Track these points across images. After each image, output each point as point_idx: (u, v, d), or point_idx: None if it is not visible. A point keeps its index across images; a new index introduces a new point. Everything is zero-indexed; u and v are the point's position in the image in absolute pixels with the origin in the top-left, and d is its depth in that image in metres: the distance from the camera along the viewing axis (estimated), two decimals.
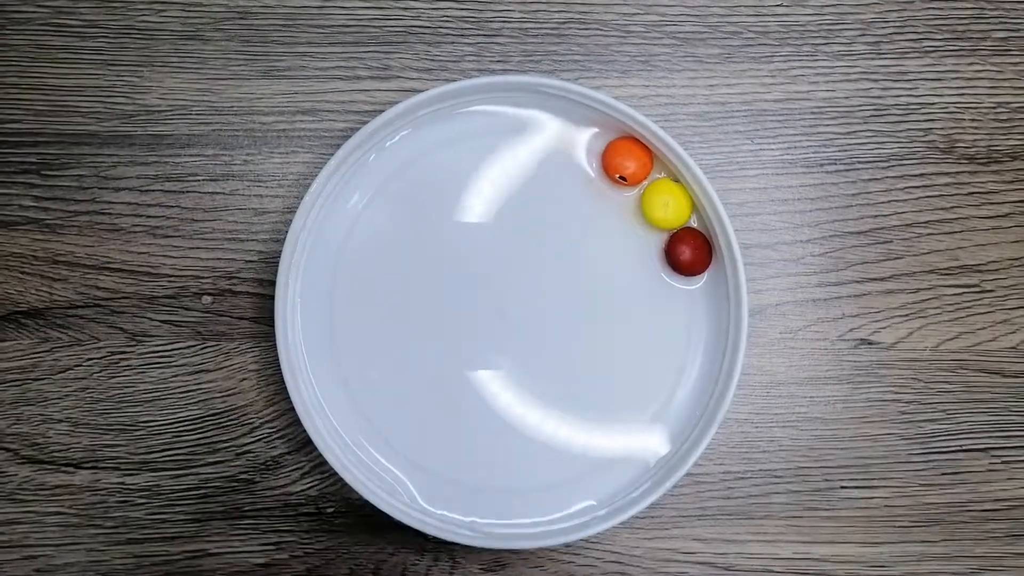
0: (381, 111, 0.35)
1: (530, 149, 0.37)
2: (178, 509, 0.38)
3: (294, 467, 0.38)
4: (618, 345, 0.37)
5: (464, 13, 0.39)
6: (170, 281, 0.38)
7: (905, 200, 0.39)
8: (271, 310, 0.36)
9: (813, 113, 0.39)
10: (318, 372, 0.36)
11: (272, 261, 0.38)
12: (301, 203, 0.35)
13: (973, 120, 0.39)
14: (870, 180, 0.39)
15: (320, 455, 0.36)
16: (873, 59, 0.39)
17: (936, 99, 0.39)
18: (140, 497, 0.38)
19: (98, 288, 0.38)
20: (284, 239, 0.35)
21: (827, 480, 0.38)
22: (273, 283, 0.36)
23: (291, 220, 0.35)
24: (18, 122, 0.38)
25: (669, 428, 0.37)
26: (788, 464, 0.38)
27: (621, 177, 0.37)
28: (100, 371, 0.38)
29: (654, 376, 0.37)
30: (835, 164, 0.39)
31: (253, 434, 0.38)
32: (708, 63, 0.39)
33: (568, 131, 0.37)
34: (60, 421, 0.38)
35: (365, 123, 0.35)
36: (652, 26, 0.39)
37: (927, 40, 0.39)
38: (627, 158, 0.36)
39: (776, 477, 0.38)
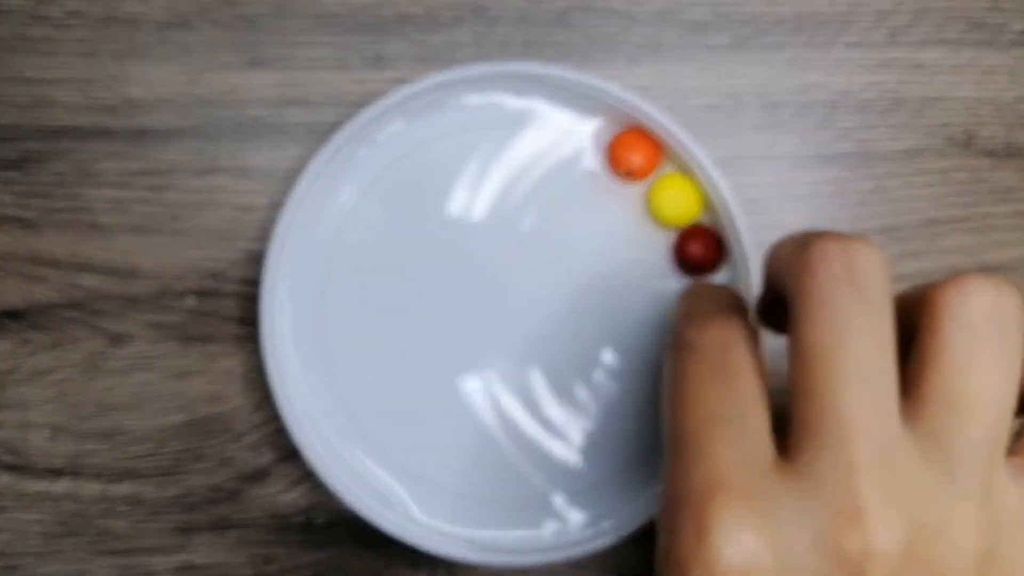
0: (374, 102, 0.34)
1: (531, 142, 0.36)
2: (162, 519, 0.37)
3: (283, 476, 0.37)
4: (624, 347, 0.36)
5: None
6: (153, 281, 0.37)
7: (923, 196, 0.38)
8: (258, 311, 0.35)
9: (828, 105, 0.38)
10: (307, 377, 0.36)
11: (259, 259, 0.37)
12: (289, 198, 0.34)
13: (992, 114, 0.38)
14: (887, 175, 0.38)
15: (309, 464, 0.35)
16: (889, 50, 0.38)
17: (954, 92, 0.38)
18: (123, 506, 0.37)
19: (79, 288, 0.37)
20: (272, 236, 0.34)
21: None
22: (260, 283, 0.35)
23: (279, 217, 0.34)
24: None
25: None
26: None
27: (628, 171, 0.35)
28: (80, 374, 0.37)
29: (659, 376, 0.36)
30: (851, 158, 0.38)
31: (239, 442, 0.37)
32: (719, 52, 0.38)
33: (571, 123, 0.36)
34: (40, 426, 0.37)
35: (357, 114, 0.34)
36: (660, 13, 0.38)
37: (944, 31, 0.38)
38: (634, 151, 0.35)
39: None
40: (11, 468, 0.37)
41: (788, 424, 0.22)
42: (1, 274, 0.37)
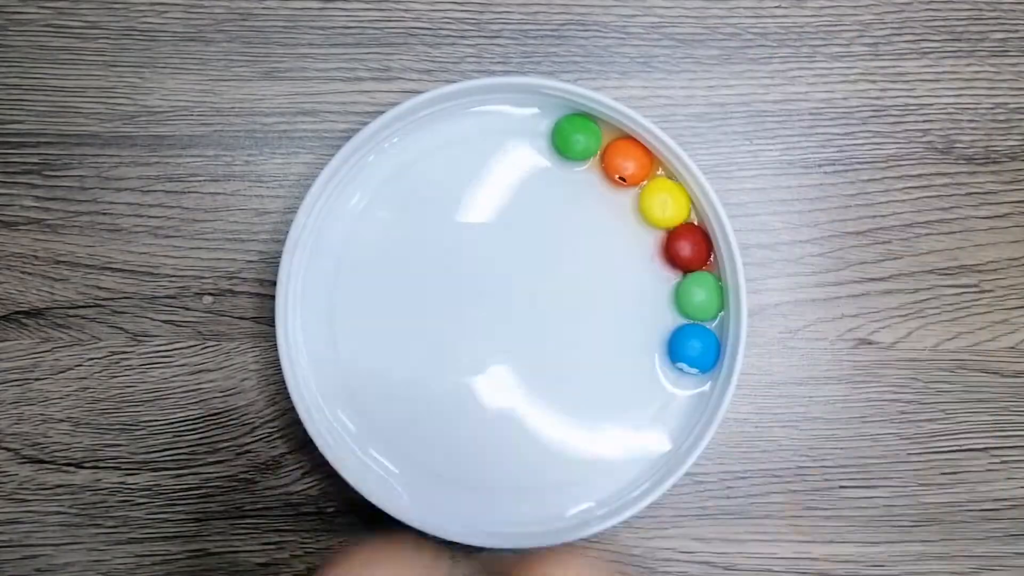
0: (382, 112, 0.36)
1: (530, 150, 0.37)
2: (179, 508, 0.38)
3: (295, 467, 0.38)
4: (618, 344, 0.37)
5: (464, 15, 0.39)
6: (171, 281, 0.38)
7: (904, 200, 0.39)
8: (272, 310, 0.36)
9: (811, 114, 0.39)
10: (318, 372, 0.37)
11: (273, 261, 0.38)
12: (302, 204, 0.35)
13: (971, 121, 0.39)
14: (869, 180, 0.39)
15: (320, 455, 0.36)
16: (871, 60, 0.39)
17: (934, 100, 0.39)
18: (141, 497, 0.38)
19: (99, 288, 0.38)
20: (285, 239, 0.35)
21: (827, 480, 0.38)
22: (274, 283, 0.36)
23: (292, 220, 0.35)
24: (20, 123, 0.39)
25: (668, 428, 0.37)
26: (788, 464, 0.38)
27: (621, 178, 0.37)
28: (101, 371, 0.38)
29: (654, 375, 0.37)
30: (834, 165, 0.39)
31: (254, 434, 0.38)
32: (707, 64, 0.39)
33: None
34: (61, 421, 0.38)
35: (366, 124, 0.36)
36: (651, 28, 0.39)
37: (925, 41, 0.39)
38: (627, 159, 0.36)
39: (776, 477, 0.38)
40: (32, 461, 0.38)
41: None
42: (23, 275, 0.38)
